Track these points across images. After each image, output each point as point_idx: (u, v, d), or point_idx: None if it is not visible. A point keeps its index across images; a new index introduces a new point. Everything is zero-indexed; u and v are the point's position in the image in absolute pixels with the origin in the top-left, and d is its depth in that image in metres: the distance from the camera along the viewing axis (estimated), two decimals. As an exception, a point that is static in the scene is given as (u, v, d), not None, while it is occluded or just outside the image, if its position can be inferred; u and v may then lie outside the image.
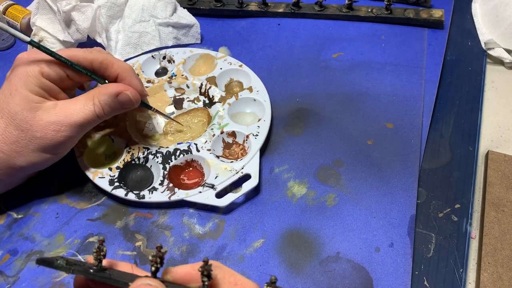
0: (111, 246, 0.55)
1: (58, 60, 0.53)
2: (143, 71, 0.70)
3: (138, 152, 0.61)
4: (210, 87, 0.68)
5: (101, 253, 0.36)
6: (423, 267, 0.53)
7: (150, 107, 0.61)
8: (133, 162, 0.60)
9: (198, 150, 0.60)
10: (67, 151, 0.56)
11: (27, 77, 0.51)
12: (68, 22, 0.70)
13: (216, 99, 0.66)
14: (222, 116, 0.64)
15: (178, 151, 0.60)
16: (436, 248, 0.54)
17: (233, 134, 0.62)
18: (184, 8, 0.77)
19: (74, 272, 0.35)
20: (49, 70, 0.52)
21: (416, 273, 0.52)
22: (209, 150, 0.60)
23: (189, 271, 0.36)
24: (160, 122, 0.66)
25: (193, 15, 0.75)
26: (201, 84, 0.68)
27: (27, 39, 0.51)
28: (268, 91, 0.66)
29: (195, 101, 0.67)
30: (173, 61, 0.71)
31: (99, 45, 0.73)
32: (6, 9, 0.78)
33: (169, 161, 0.60)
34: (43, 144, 0.51)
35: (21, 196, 0.59)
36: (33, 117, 0.50)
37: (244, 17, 0.79)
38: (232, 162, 0.60)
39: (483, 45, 0.74)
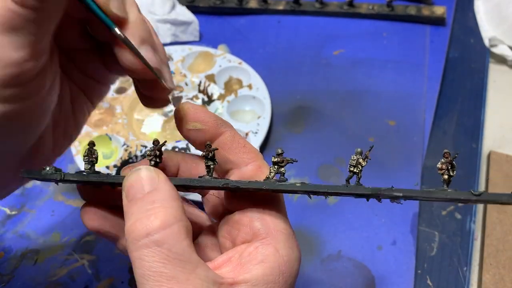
0: (106, 246, 0.54)
1: None
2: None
3: (136, 150, 0.60)
4: (209, 85, 0.67)
5: (93, 156, 0.32)
6: (426, 266, 0.52)
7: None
8: (130, 160, 0.59)
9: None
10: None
11: None
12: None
13: (215, 97, 0.66)
14: (221, 114, 0.63)
15: (176, 149, 0.60)
16: (439, 246, 0.53)
17: (232, 131, 0.61)
18: (183, 5, 0.76)
19: (65, 178, 0.31)
20: None
21: (419, 271, 0.51)
22: (208, 147, 0.59)
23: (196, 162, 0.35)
24: (158, 119, 0.65)
25: (192, 12, 0.75)
26: (200, 82, 0.67)
27: None
28: (268, 88, 0.65)
29: (194, 99, 0.66)
30: (172, 59, 0.71)
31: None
32: None
33: (167, 158, 0.59)
34: None
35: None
36: None
37: (243, 15, 0.79)
38: (231, 159, 0.58)
39: (486, 42, 0.73)
